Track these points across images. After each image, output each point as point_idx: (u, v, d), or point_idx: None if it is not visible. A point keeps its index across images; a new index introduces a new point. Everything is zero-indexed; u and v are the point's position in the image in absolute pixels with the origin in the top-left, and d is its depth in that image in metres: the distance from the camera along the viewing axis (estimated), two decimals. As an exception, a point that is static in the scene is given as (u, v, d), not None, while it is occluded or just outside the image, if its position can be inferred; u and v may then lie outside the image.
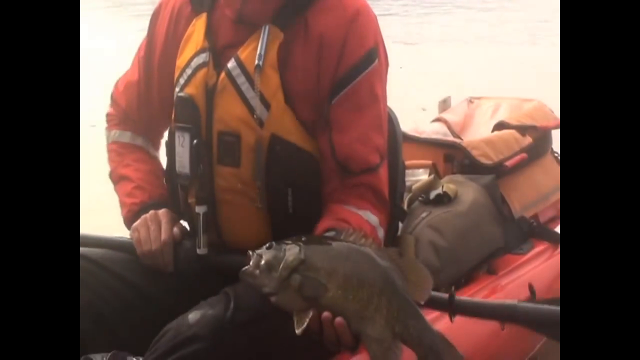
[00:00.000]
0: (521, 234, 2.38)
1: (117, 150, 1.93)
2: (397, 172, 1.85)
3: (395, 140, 1.86)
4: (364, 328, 1.42)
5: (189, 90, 1.72)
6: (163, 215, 1.78)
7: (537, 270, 2.29)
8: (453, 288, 1.66)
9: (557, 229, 2.46)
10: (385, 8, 10.10)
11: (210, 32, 1.74)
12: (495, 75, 6.39)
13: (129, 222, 1.82)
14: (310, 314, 1.41)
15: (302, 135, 1.68)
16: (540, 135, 2.53)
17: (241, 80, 1.66)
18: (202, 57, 1.72)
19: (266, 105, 1.65)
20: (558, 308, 1.55)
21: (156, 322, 1.62)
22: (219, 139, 1.69)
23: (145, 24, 1.90)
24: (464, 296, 1.78)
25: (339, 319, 1.41)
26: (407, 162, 2.04)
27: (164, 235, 1.75)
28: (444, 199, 2.14)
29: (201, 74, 1.71)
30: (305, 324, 1.40)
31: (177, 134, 1.75)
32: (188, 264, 1.74)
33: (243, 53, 1.67)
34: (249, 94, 1.65)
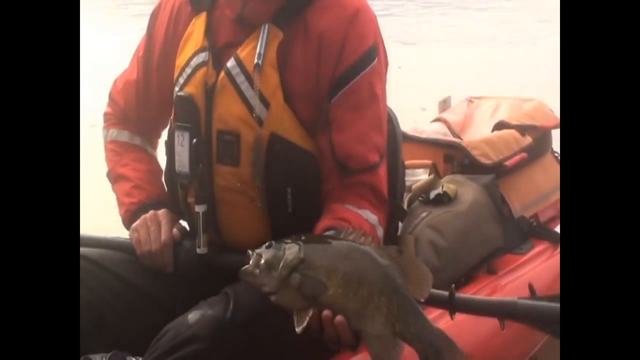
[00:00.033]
0: (521, 233, 2.39)
1: (115, 150, 1.92)
2: (397, 172, 1.85)
3: (395, 140, 1.86)
4: (365, 326, 1.42)
5: (189, 89, 1.72)
6: (163, 216, 1.78)
7: (537, 270, 2.29)
8: (453, 285, 1.65)
9: (557, 229, 2.46)
10: (385, 8, 10.09)
11: (209, 31, 1.74)
12: (495, 75, 6.39)
13: (127, 221, 1.83)
14: (311, 312, 1.41)
15: (301, 135, 1.68)
16: (540, 135, 2.53)
17: (240, 79, 1.66)
18: (202, 57, 1.72)
19: (265, 104, 1.65)
20: (558, 305, 1.55)
21: (156, 323, 1.62)
22: (219, 138, 1.69)
23: (145, 23, 1.90)
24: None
25: (339, 318, 1.41)
26: (407, 162, 2.04)
27: (163, 236, 1.75)
28: (444, 199, 2.14)
29: (201, 73, 1.71)
30: (305, 322, 1.40)
31: (176, 133, 1.75)
32: (188, 264, 1.74)
33: (242, 52, 1.68)
34: (249, 93, 1.65)
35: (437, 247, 2.02)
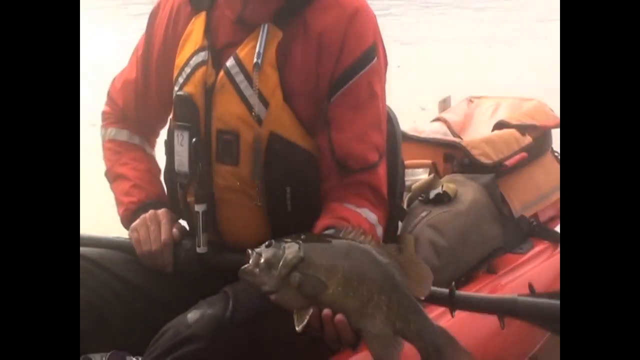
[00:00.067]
0: (521, 233, 2.39)
1: (113, 149, 1.92)
2: (396, 172, 1.85)
3: (395, 140, 1.86)
4: (365, 325, 1.42)
5: (188, 89, 1.72)
6: (162, 215, 1.78)
7: (537, 270, 2.29)
8: (453, 283, 1.65)
9: (557, 229, 2.46)
10: (384, 7, 10.10)
11: (209, 31, 1.74)
12: (494, 74, 6.39)
13: (126, 221, 1.82)
14: (310, 311, 1.41)
15: (301, 134, 1.67)
16: (540, 135, 2.53)
17: (240, 78, 1.66)
18: (201, 56, 1.72)
19: (265, 103, 1.65)
20: (558, 302, 1.55)
21: (155, 322, 1.62)
22: (218, 137, 1.69)
23: (144, 23, 1.90)
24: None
25: (339, 316, 1.41)
26: (407, 162, 2.04)
27: (163, 236, 1.75)
28: (443, 199, 2.15)
29: (200, 72, 1.71)
30: (306, 321, 1.40)
31: (176, 133, 1.75)
32: (188, 264, 1.74)
33: (242, 51, 1.68)
34: (248, 92, 1.65)
35: (437, 247, 2.02)
